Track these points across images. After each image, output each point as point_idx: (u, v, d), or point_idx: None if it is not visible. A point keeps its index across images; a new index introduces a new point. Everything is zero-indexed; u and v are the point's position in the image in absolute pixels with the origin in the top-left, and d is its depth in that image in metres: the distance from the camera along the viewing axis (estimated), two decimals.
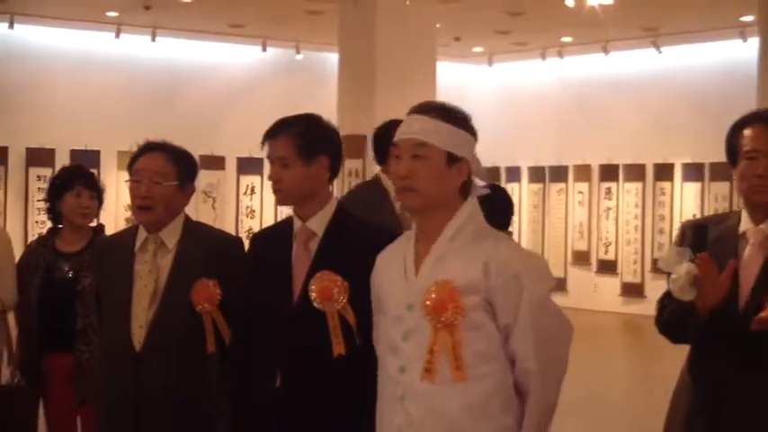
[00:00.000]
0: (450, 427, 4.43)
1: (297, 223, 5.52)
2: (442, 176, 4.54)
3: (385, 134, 8.38)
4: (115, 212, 20.58)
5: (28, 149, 24.41)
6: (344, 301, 5.32)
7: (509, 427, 4.44)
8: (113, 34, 25.33)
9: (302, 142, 5.48)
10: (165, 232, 6.28)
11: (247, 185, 27.08)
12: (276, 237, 5.77)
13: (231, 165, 26.45)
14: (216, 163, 25.43)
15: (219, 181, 26.11)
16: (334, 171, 5.78)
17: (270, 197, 26.19)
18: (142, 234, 6.31)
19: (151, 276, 6.22)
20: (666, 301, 5.37)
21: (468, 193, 4.68)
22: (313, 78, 25.31)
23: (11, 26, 23.94)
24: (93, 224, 8.56)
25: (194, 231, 6.43)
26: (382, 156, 8.73)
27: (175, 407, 6.11)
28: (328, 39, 23.09)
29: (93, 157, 23.83)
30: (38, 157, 24.59)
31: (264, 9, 22.51)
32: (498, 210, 9.73)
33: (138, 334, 6.16)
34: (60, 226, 8.46)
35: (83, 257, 7.95)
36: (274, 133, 5.54)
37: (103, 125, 24.69)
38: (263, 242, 5.92)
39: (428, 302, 4.36)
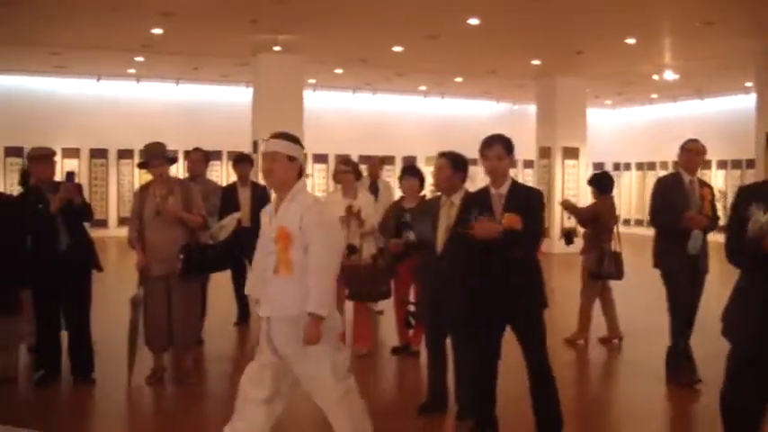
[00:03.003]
0: (284, 296, 4.72)
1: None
2: (287, 168, 4.80)
3: None
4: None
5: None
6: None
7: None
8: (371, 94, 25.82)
9: (509, 148, 5.71)
10: (453, 196, 6.35)
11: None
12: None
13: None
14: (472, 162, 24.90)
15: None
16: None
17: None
18: (443, 198, 6.45)
19: (446, 217, 6.30)
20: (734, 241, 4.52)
21: (301, 176, 4.91)
22: (522, 118, 25.06)
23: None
24: (421, 194, 8.57)
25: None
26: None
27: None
28: (530, 98, 23.20)
29: (413, 160, 23.99)
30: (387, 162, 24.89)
31: (499, 83, 22.65)
32: (607, 183, 9.56)
33: (439, 245, 6.30)
34: (403, 196, 8.60)
35: (413, 209, 8.05)
36: (491, 143, 5.71)
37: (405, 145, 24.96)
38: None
39: (276, 237, 4.73)
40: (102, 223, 22.02)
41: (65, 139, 21.54)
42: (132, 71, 21.59)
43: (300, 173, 4.89)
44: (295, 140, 4.91)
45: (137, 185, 14.87)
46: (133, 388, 7.27)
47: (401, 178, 8.70)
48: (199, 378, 7.71)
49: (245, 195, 10.01)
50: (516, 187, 5.70)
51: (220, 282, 9.20)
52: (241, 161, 10.30)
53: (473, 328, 5.70)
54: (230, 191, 9.97)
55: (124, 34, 16.15)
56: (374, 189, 9.98)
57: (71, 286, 7.23)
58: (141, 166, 7.57)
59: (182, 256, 7.21)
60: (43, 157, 7.36)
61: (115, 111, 22.50)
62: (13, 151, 21.74)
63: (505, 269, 5.45)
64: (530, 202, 5.58)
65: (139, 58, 19.34)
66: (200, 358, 8.46)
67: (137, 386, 7.29)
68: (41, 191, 7.29)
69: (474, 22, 14.42)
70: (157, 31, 15.54)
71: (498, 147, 5.66)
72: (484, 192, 5.72)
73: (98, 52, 18.52)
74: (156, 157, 7.32)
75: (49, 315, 7.37)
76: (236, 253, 9.47)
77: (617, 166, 28.12)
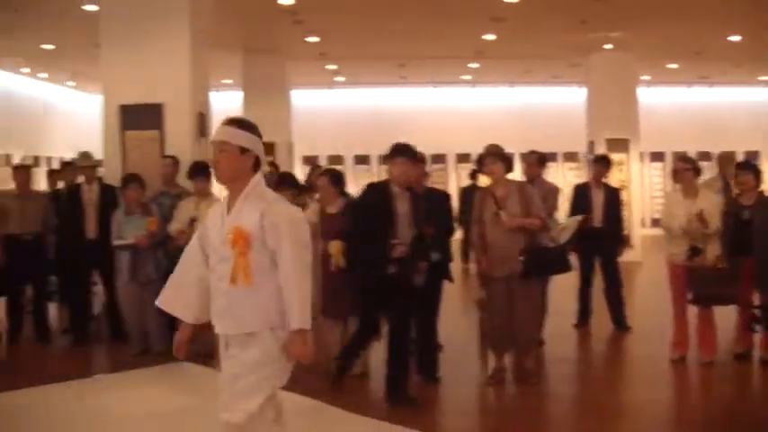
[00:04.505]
0: (245, 310, 4.03)
1: None
2: (237, 161, 4.07)
3: None
4: None
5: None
6: None
7: (278, 312, 4.02)
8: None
9: None
10: None
11: None
12: None
13: None
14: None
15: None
16: None
17: None
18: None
19: None
20: None
21: (258, 170, 4.16)
22: None
23: None
24: (758, 190, 8.07)
25: None
26: None
27: None
28: None
29: (755, 155, 22.49)
30: None
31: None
32: None
33: None
34: (739, 192, 8.23)
35: (752, 206, 7.65)
36: None
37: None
38: None
39: (232, 240, 4.00)
40: None
41: None
42: (467, 77, 22.03)
43: (257, 166, 4.19)
44: (250, 128, 4.20)
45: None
46: (479, 387, 7.35)
47: (736, 174, 8.28)
48: (540, 379, 7.65)
49: (598, 196, 9.87)
50: None
51: (562, 283, 9.09)
52: (598, 162, 10.22)
53: None
54: (583, 191, 9.96)
55: (459, 42, 16.53)
56: None
57: (425, 294, 7.28)
58: (478, 162, 7.66)
59: (521, 258, 7.17)
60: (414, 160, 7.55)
61: (452, 117, 23.06)
62: (360, 159, 22.97)
63: None
64: None
65: (473, 64, 19.71)
66: (542, 359, 8.40)
67: (480, 385, 7.36)
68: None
69: None
70: (490, 36, 15.75)
71: None
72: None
73: (435, 61, 19.09)
74: (488, 155, 7.35)
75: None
76: (586, 253, 9.67)
77: None
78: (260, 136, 4.19)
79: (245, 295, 4.02)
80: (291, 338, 3.99)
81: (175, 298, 4.35)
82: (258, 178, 4.16)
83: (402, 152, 6.73)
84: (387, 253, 6.59)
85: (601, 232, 9.70)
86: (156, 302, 4.42)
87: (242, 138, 4.11)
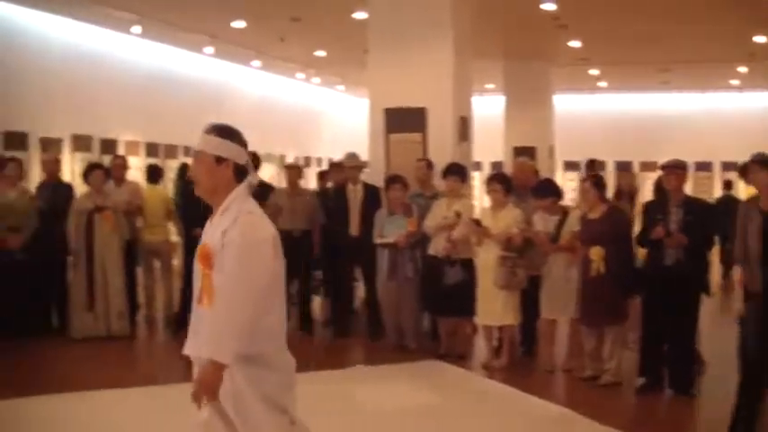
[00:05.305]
0: (206, 332, 3.61)
1: None
2: (213, 171, 3.70)
3: None
4: None
5: None
6: None
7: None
8: None
9: None
10: None
11: None
12: None
13: None
14: None
15: None
16: None
17: None
18: None
19: None
20: None
21: (242, 180, 3.76)
22: None
23: None
24: None
25: None
26: None
27: None
28: None
29: None
30: None
31: None
32: None
33: None
34: None
35: None
36: None
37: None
38: None
39: (197, 257, 3.75)
40: None
41: (650, 154, 21.57)
42: (735, 82, 21.23)
43: (240, 175, 3.78)
44: (229, 135, 3.78)
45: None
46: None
47: None
48: None
49: None
50: None
51: None
52: None
53: None
54: None
55: (727, 45, 15.93)
56: None
57: (679, 301, 7.06)
58: (742, 171, 7.24)
59: None
60: (676, 167, 7.27)
61: (717, 123, 22.17)
62: (622, 165, 22.54)
63: None
64: None
65: (742, 69, 18.93)
66: None
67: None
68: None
69: None
70: (760, 38, 14.98)
71: None
72: None
73: (702, 66, 18.48)
74: (754, 164, 6.82)
75: (655, 327, 7.24)
76: None
77: None
78: (242, 143, 3.83)
79: (207, 317, 3.69)
80: (203, 368, 3.61)
81: None
82: (240, 190, 3.78)
83: (764, 162, 6.09)
84: None
85: None
86: None
87: (217, 146, 3.75)
